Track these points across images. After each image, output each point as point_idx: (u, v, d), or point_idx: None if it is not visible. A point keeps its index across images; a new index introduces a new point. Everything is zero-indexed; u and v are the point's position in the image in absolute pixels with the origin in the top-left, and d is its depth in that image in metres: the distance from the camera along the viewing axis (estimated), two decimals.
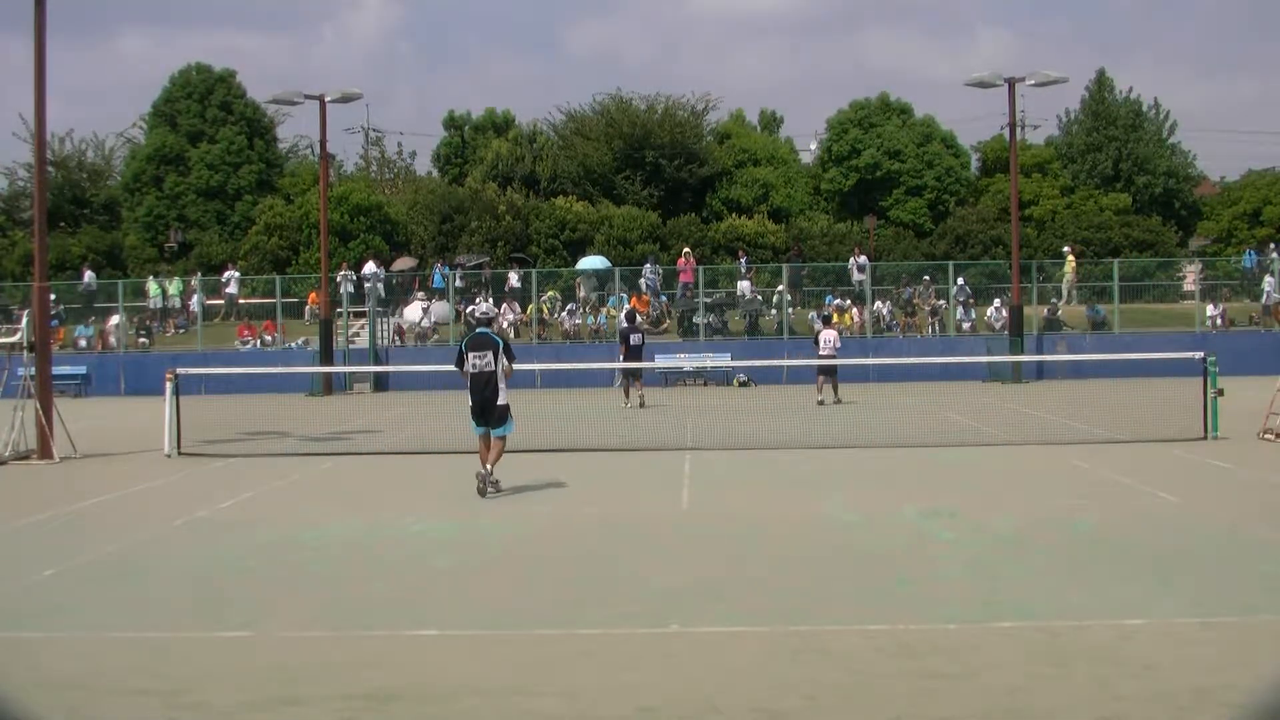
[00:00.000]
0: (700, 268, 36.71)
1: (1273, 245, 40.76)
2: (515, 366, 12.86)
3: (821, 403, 24.11)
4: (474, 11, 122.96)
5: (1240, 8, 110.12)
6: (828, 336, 25.06)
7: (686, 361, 32.04)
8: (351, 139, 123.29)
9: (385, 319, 35.50)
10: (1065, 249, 38.88)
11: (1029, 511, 11.07)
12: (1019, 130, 40.45)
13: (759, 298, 36.57)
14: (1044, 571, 8.61)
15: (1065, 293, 36.73)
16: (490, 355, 12.47)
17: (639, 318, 28.79)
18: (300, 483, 14.30)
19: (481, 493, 12.36)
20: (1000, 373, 30.43)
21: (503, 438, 12.59)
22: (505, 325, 35.43)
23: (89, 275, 40.35)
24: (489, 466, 12.50)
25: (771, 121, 57.93)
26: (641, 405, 24.16)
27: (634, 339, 25.65)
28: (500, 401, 12.44)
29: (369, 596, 8.28)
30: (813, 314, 36.16)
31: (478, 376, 12.47)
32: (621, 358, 25.41)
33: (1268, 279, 35.36)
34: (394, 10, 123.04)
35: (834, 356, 24.65)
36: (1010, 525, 10.45)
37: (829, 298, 36.43)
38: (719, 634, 7.14)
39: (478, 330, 12.92)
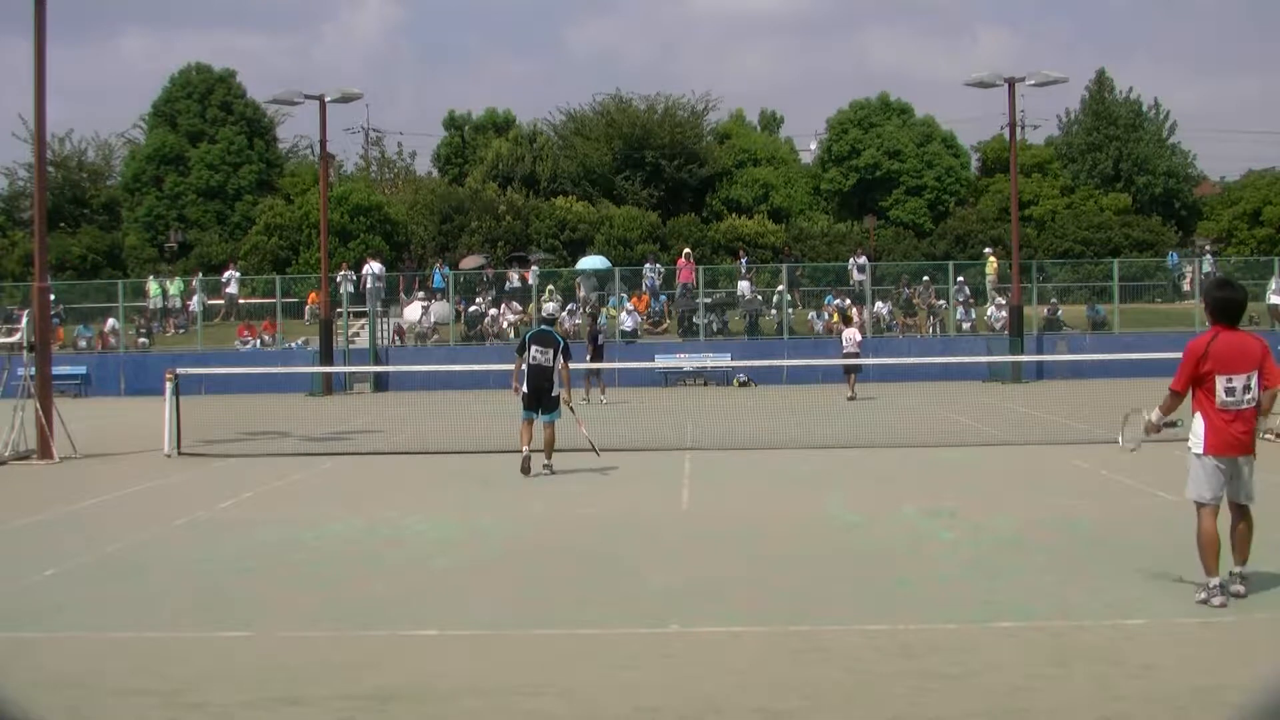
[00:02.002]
0: (700, 268, 36.70)
1: (1207, 246, 40.58)
2: (571, 366, 14.21)
3: (852, 398, 24.72)
4: (474, 11, 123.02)
5: (1240, 8, 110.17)
6: (850, 335, 25.88)
7: (686, 361, 32.06)
8: (351, 139, 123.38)
9: (385, 319, 35.51)
10: (986, 249, 38.73)
11: (1029, 511, 11.06)
12: (1019, 130, 40.45)
13: (759, 298, 36.56)
14: (1044, 571, 8.60)
15: (988, 294, 36.34)
16: (552, 352, 13.70)
17: (600, 320, 29.75)
18: (300, 483, 14.30)
19: (526, 471, 13.52)
20: (1000, 373, 30.42)
21: (552, 423, 13.81)
22: (505, 325, 35.49)
23: None
24: (547, 460, 13.77)
25: (771, 121, 57.99)
26: (600, 401, 25.35)
27: (600, 339, 27.34)
28: (554, 393, 13.72)
29: (369, 596, 8.27)
30: (813, 314, 36.19)
31: (537, 368, 13.65)
32: (589, 357, 26.09)
33: (1273, 280, 35.36)
34: (394, 10, 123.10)
35: (856, 354, 25.61)
36: (1010, 525, 10.45)
37: (829, 298, 36.43)
38: (719, 634, 7.14)
39: (542, 327, 14.40)
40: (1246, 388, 7.48)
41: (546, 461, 13.76)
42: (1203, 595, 7.49)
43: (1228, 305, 7.65)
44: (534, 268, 37.67)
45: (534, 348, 13.68)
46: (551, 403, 13.70)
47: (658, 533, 10.44)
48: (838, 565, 9.01)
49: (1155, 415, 7.90)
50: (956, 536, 10.03)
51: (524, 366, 13.70)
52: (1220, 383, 7.44)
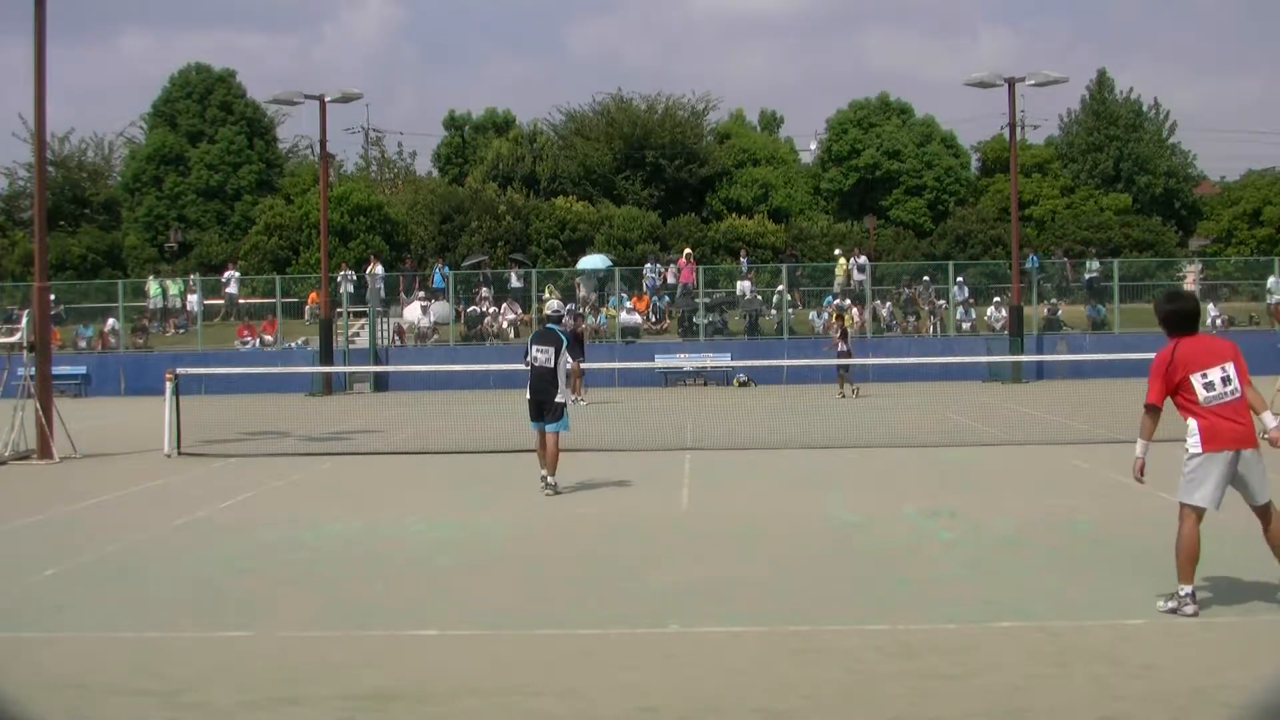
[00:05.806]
0: (700, 268, 36.69)
1: (1064, 251, 40.08)
2: (579, 365, 12.96)
3: (842, 396, 25.74)
4: (474, 11, 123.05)
5: (1240, 8, 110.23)
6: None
7: (686, 361, 32.07)
8: (351, 139, 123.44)
9: (385, 319, 35.51)
10: (836, 251, 38.61)
11: (1029, 511, 11.06)
12: (1019, 130, 40.43)
13: (759, 298, 36.57)
14: (1044, 571, 8.60)
15: (837, 293, 36.10)
16: (552, 351, 12.35)
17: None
18: (300, 483, 14.30)
19: (553, 488, 12.39)
20: (1000, 373, 30.43)
21: (556, 434, 12.42)
22: (505, 325, 35.50)
23: None
24: (548, 474, 12.41)
25: (771, 121, 57.92)
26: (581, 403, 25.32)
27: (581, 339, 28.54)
28: (558, 399, 12.29)
29: (369, 596, 8.27)
30: (813, 314, 36.19)
31: (538, 371, 12.37)
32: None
33: (1271, 279, 35.43)
34: (394, 10, 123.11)
35: (848, 353, 26.64)
36: (1010, 525, 10.45)
37: (828, 297, 36.41)
38: (719, 634, 7.14)
39: (545, 325, 12.99)
40: (1225, 379, 7.18)
41: (548, 476, 12.40)
42: (1172, 604, 7.17)
43: (1176, 316, 7.44)
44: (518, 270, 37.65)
45: (535, 348, 12.48)
46: (556, 410, 12.29)
47: (657, 533, 10.44)
48: (838, 565, 9.01)
49: (1139, 446, 7.50)
50: (956, 536, 10.03)
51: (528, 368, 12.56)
52: (1196, 380, 7.18)
